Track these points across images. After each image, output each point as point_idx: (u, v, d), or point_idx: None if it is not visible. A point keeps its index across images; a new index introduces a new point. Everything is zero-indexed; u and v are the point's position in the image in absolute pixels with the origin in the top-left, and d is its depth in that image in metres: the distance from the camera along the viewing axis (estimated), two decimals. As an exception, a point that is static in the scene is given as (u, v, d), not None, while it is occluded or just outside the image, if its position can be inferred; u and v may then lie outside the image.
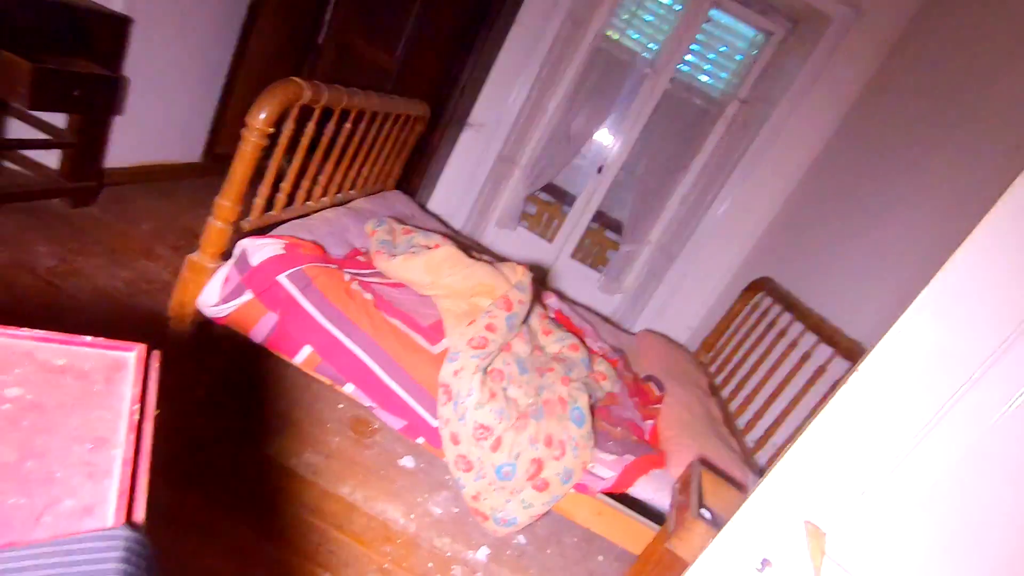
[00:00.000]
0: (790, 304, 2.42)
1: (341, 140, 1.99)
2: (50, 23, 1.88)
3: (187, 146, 2.86)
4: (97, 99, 2.10)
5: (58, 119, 2.14)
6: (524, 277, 1.83)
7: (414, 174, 3.15)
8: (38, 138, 2.10)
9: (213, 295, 1.56)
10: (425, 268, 1.79)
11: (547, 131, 3.31)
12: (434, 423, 1.63)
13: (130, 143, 2.45)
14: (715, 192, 3.13)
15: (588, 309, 2.89)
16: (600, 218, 3.59)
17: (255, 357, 2.02)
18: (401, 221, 2.23)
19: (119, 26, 2.10)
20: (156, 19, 2.29)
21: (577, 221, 3.50)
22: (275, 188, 1.78)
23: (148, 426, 0.61)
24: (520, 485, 1.59)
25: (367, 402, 1.63)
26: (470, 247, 2.29)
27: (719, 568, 0.87)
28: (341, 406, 2.07)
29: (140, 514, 0.53)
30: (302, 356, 1.60)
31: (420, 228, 2.18)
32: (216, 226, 1.53)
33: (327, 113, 1.77)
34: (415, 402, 1.63)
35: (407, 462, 2.00)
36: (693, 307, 3.34)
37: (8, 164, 2.14)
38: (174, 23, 2.43)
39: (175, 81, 2.58)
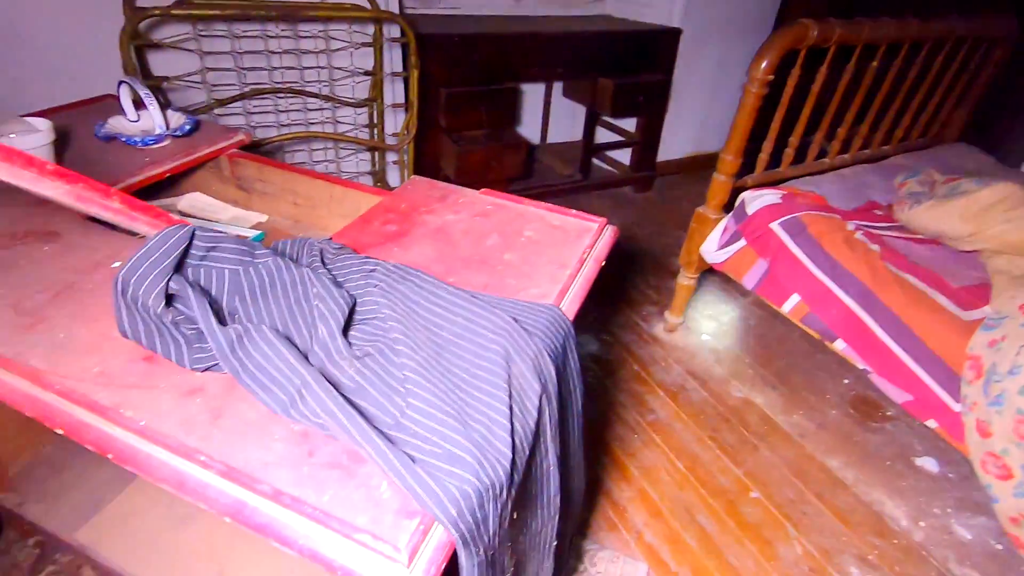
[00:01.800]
0: None
1: (865, 83, 1.78)
2: (624, 47, 2.50)
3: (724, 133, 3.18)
4: (656, 102, 2.65)
5: (629, 124, 2.82)
6: None
7: (993, 119, 2.42)
8: (617, 140, 2.84)
9: (714, 243, 1.73)
10: (962, 215, 1.41)
11: None
12: (955, 406, 1.28)
13: (677, 138, 2.95)
14: None
15: None
16: None
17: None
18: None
19: (672, 38, 2.57)
20: (701, 27, 2.67)
21: None
22: (783, 143, 1.79)
23: (589, 265, 0.82)
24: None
25: (860, 364, 1.44)
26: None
27: None
28: (847, 381, 1.88)
29: (568, 307, 0.74)
30: (790, 305, 1.56)
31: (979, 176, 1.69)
32: (719, 180, 1.69)
33: (848, 53, 1.64)
34: (926, 373, 1.32)
35: (927, 464, 1.62)
36: None
37: (598, 163, 2.98)
38: (717, 29, 2.75)
39: (715, 80, 2.91)
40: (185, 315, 0.53)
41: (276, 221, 1.15)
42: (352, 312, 0.65)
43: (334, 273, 0.69)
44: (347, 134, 2.08)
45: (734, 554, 1.36)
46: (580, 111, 2.74)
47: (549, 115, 2.91)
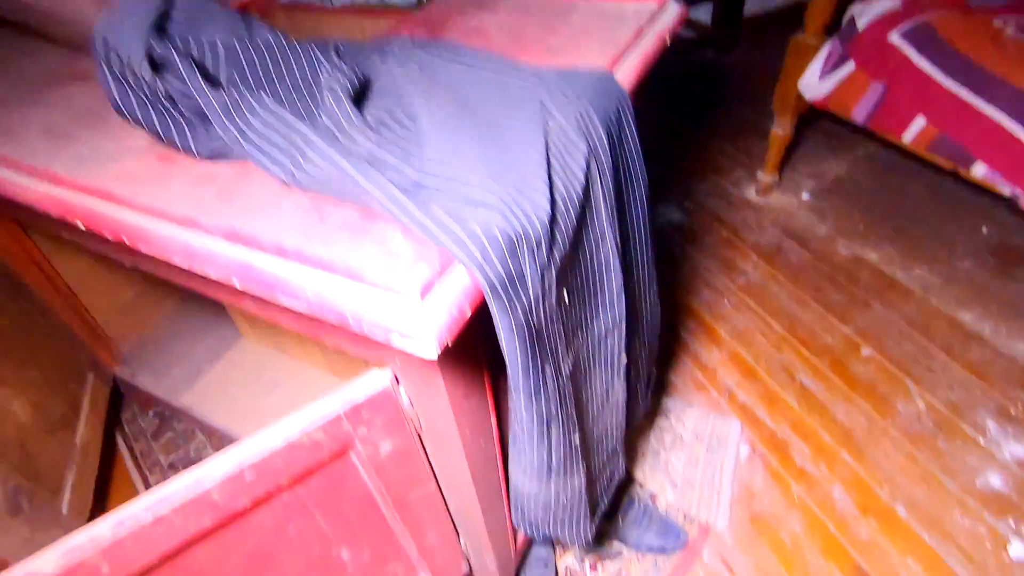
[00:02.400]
0: None
1: None
2: None
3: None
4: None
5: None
6: None
7: None
8: (696, -6, 2.49)
9: (815, 73, 1.47)
10: None
11: None
12: None
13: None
14: None
15: None
16: None
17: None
18: None
19: None
20: None
21: None
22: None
23: (648, 38, 0.68)
24: None
25: (1006, 189, 1.18)
26: None
27: None
28: (985, 230, 1.59)
29: (623, 76, 0.61)
30: (913, 131, 1.31)
31: None
32: (820, -6, 1.41)
33: None
34: (1100, 185, 1.06)
35: (1089, 315, 1.36)
36: None
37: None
38: None
39: None
40: (179, 89, 0.48)
41: None
42: (366, 89, 0.57)
43: (343, 52, 0.61)
44: None
45: (842, 411, 1.23)
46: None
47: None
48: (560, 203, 0.47)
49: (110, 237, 0.51)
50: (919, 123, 1.29)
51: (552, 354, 0.51)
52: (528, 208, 0.43)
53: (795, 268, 1.56)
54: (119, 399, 1.41)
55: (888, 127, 1.36)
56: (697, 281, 1.57)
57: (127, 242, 0.50)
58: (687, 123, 2.19)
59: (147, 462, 1.31)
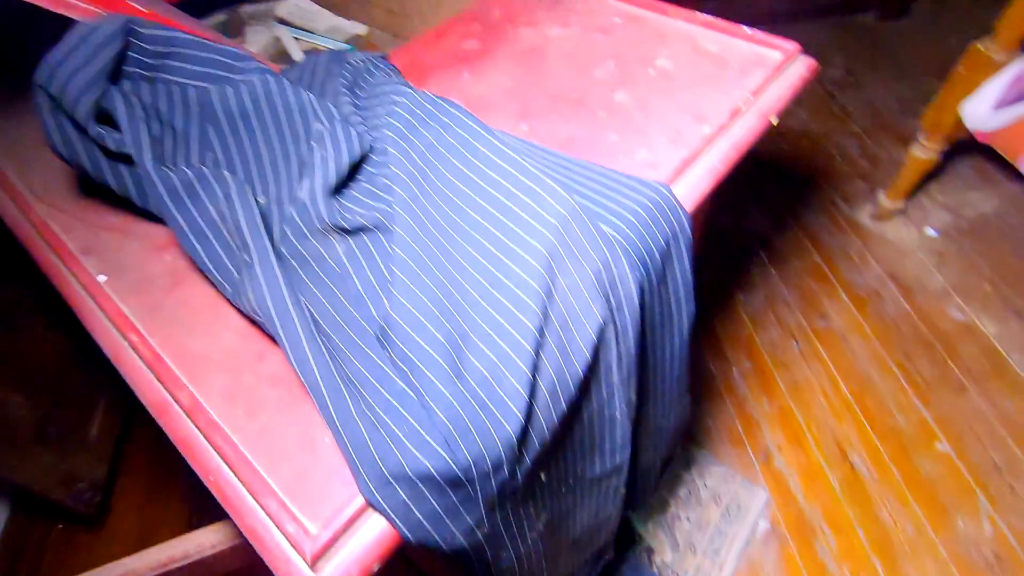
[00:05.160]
0: None
1: None
2: None
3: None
4: None
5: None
6: None
7: None
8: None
9: (988, 99, 1.17)
10: None
11: None
12: None
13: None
14: None
15: None
16: None
17: None
18: None
19: None
20: None
21: None
22: None
23: (748, 120, 0.51)
24: None
25: None
26: None
27: None
28: None
29: (688, 192, 0.47)
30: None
31: None
32: (1030, -4, 1.07)
33: None
34: None
35: None
36: None
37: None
38: None
39: None
40: (122, 151, 0.40)
41: (374, 34, 0.96)
42: (362, 162, 0.46)
43: (361, 106, 0.50)
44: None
45: (889, 511, 1.09)
46: None
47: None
48: (543, 397, 0.37)
49: (60, 293, 0.46)
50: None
51: (513, 539, 0.43)
52: (489, 427, 0.33)
53: (888, 323, 1.34)
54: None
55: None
56: (768, 313, 1.39)
57: (73, 309, 0.45)
58: (811, 102, 1.86)
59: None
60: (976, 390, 1.22)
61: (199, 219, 0.39)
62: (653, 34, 0.61)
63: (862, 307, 1.38)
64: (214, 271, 0.39)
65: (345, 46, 0.92)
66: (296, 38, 0.95)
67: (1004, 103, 1.13)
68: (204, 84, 0.43)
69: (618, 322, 0.41)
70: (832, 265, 1.47)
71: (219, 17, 0.99)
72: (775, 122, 0.53)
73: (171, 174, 0.39)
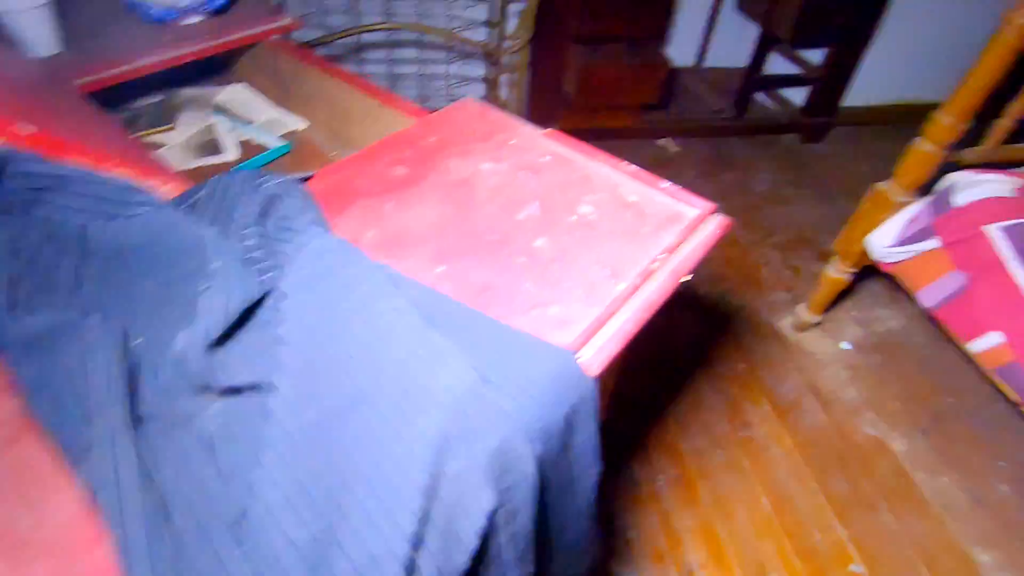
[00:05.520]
0: None
1: None
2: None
3: (942, 81, 2.41)
4: (861, 26, 2.03)
5: (814, 54, 2.20)
6: None
7: None
8: (792, 74, 2.25)
9: (890, 235, 1.27)
10: None
11: None
12: None
13: (874, 79, 2.27)
14: None
15: None
16: None
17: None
18: None
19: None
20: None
21: None
22: (1040, 108, 1.22)
23: (660, 280, 0.52)
24: None
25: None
26: None
27: None
28: (1037, 449, 1.38)
29: (596, 355, 0.46)
30: (983, 344, 1.11)
31: None
32: (922, 148, 1.20)
33: None
34: None
35: None
36: None
37: (762, 99, 2.41)
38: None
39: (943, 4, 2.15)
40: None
41: (313, 132, 0.96)
42: (259, 305, 0.43)
43: (267, 239, 0.47)
44: (456, 31, 1.81)
45: (806, 639, 1.07)
46: (751, 32, 2.17)
47: (713, 31, 2.36)
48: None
49: None
50: (993, 339, 1.09)
51: None
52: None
53: (807, 434, 1.38)
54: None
55: (957, 327, 1.17)
56: (694, 419, 1.41)
57: None
58: (741, 212, 1.98)
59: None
60: (887, 508, 1.26)
61: (47, 377, 0.35)
62: (579, 177, 0.63)
63: (783, 417, 1.42)
64: (56, 437, 0.34)
65: (279, 142, 0.91)
66: (231, 129, 0.93)
67: (903, 241, 1.23)
68: (86, 219, 0.40)
69: (510, 504, 0.39)
70: (756, 373, 1.51)
71: (155, 99, 0.97)
72: (687, 279, 0.55)
73: (21, 323, 0.35)
